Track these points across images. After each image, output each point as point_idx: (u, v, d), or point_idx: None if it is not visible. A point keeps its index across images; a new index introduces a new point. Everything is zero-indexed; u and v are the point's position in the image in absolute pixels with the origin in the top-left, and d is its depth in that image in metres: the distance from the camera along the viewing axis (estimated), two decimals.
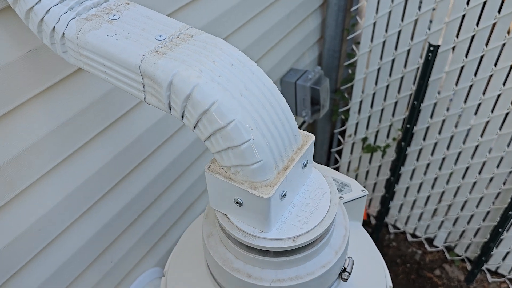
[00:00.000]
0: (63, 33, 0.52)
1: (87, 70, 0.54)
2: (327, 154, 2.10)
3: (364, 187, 2.01)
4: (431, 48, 1.36)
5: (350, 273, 0.59)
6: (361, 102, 1.76)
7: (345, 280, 0.59)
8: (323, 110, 1.59)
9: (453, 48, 1.42)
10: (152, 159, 1.01)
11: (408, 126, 1.59)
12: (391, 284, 0.70)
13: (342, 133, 1.95)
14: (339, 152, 2.04)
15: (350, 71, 1.74)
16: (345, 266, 0.59)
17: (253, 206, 0.50)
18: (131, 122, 0.90)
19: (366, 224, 2.18)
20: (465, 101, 1.51)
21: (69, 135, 0.77)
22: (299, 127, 1.60)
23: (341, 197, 0.70)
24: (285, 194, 0.51)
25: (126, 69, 0.49)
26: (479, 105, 1.49)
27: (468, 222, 1.83)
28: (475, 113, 1.52)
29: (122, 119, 0.87)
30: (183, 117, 0.48)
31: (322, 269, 0.54)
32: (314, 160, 1.74)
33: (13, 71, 0.63)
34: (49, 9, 0.52)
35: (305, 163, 0.54)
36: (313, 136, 0.55)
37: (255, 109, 0.47)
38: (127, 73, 0.49)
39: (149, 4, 0.75)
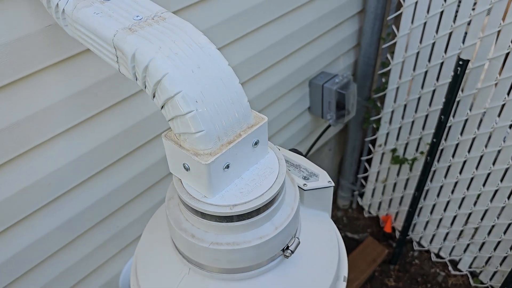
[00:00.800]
0: (63, 9, 0.62)
1: (81, 42, 0.64)
2: (357, 162, 2.10)
3: (391, 200, 2.00)
4: (460, 62, 1.34)
5: (292, 252, 0.63)
6: (392, 112, 1.76)
7: (286, 257, 0.63)
8: (349, 115, 1.61)
9: (486, 65, 1.39)
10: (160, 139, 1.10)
11: (434, 140, 1.57)
12: (346, 275, 0.73)
13: (373, 142, 1.95)
14: (369, 161, 2.04)
15: (383, 80, 1.74)
16: (289, 245, 0.64)
17: (197, 171, 0.56)
18: (143, 102, 0.99)
19: (391, 237, 2.15)
20: (496, 121, 1.46)
21: (83, 104, 0.88)
22: (324, 130, 1.64)
23: (305, 184, 0.74)
24: (228, 166, 0.57)
25: (104, 42, 0.57)
26: (511, 126, 1.44)
27: (495, 249, 1.76)
28: (507, 134, 1.47)
29: (134, 97, 0.97)
30: (145, 87, 0.56)
31: (258, 240, 0.59)
32: (344, 166, 1.79)
33: (32, 42, 0.74)
34: None
35: (255, 142, 0.59)
36: (265, 118, 0.60)
37: (203, 85, 0.54)
38: (105, 45, 0.58)
39: None
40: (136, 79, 0.57)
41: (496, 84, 1.40)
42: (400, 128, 1.78)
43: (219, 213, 0.57)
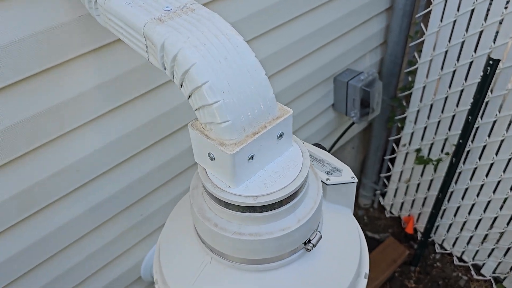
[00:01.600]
0: (96, 0, 0.63)
1: (112, 32, 0.65)
2: (381, 161, 2.08)
3: (414, 200, 1.97)
4: (490, 62, 1.31)
5: (314, 245, 0.63)
6: (418, 111, 1.73)
7: (308, 250, 0.64)
8: (373, 113, 1.60)
9: None
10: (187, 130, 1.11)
11: (460, 141, 1.54)
12: (367, 271, 0.72)
13: (397, 142, 1.92)
14: (392, 161, 2.01)
15: (410, 78, 1.71)
16: (311, 238, 0.64)
17: (221, 161, 0.56)
18: (170, 92, 1.01)
19: (412, 239, 2.12)
20: None
21: (113, 92, 0.90)
22: (348, 127, 1.63)
23: (328, 179, 0.74)
24: (252, 157, 0.57)
25: (135, 31, 0.59)
26: None
27: None
28: None
29: (162, 87, 0.98)
30: (173, 77, 0.57)
31: (280, 232, 0.59)
32: (367, 165, 1.78)
33: (66, 30, 0.76)
34: None
35: (279, 134, 0.60)
36: (290, 111, 0.60)
37: (230, 76, 0.54)
38: (135, 35, 0.59)
39: None
40: (165, 69, 0.58)
41: None
42: (425, 128, 1.75)
43: (242, 203, 0.57)
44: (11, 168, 0.82)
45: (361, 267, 0.72)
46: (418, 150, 1.81)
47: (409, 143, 1.85)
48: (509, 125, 1.48)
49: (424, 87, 1.65)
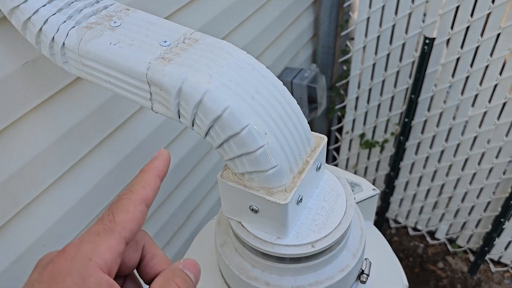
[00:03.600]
0: (63, 43, 0.50)
1: (89, 80, 0.53)
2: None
3: None
4: (427, 41, 1.35)
5: (368, 275, 0.58)
6: (357, 98, 1.76)
7: (363, 282, 0.58)
8: (320, 108, 1.58)
9: (448, 40, 1.42)
10: None
11: (406, 120, 1.59)
12: (407, 283, 0.69)
13: (339, 130, 1.94)
14: (337, 149, 2.03)
15: (345, 67, 1.73)
16: (363, 268, 0.58)
17: (269, 212, 0.48)
18: (132, 129, 0.88)
19: None
20: (462, 93, 1.51)
21: (70, 146, 0.75)
22: None
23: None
24: (301, 199, 0.50)
25: (132, 78, 0.47)
26: (476, 96, 1.49)
27: (469, 213, 1.83)
28: (473, 104, 1.52)
29: (123, 126, 0.85)
30: (193, 125, 0.47)
31: (341, 273, 0.53)
32: None
33: (11, 85, 0.61)
34: (47, 19, 0.50)
35: (318, 166, 0.53)
36: (325, 138, 0.53)
37: (268, 113, 0.46)
38: (133, 82, 0.47)
39: (145, 8, 0.73)
40: (179, 117, 0.47)
41: (458, 58, 1.43)
42: (366, 112, 1.78)
43: (300, 254, 0.49)
44: None
45: (403, 280, 0.69)
46: (362, 135, 1.85)
47: (352, 130, 1.88)
48: (445, 97, 1.56)
49: (360, 74, 1.68)
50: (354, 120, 1.84)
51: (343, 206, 0.53)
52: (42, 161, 0.70)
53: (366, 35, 1.56)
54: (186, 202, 1.16)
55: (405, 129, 1.62)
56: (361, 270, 0.58)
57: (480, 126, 1.55)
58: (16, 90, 0.62)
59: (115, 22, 0.51)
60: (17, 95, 0.62)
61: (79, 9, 0.52)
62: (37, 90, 0.65)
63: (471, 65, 1.43)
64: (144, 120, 0.90)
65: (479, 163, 1.65)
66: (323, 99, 1.59)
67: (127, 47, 0.48)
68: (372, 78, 1.67)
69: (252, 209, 0.49)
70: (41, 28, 0.51)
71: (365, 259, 0.59)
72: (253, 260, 0.53)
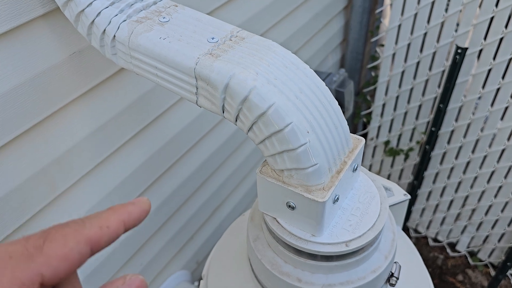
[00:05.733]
0: (114, 36, 0.52)
1: (136, 73, 0.54)
2: None
3: None
4: (459, 51, 1.34)
5: (397, 278, 0.58)
6: (384, 105, 1.75)
7: (392, 285, 0.58)
8: (347, 112, 1.58)
9: (480, 50, 1.40)
10: (182, 162, 1.01)
11: (433, 129, 1.57)
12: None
13: (364, 136, 1.94)
14: None
15: (373, 73, 1.72)
16: (393, 271, 0.59)
17: (306, 210, 0.49)
18: (167, 123, 0.90)
19: None
20: (492, 104, 1.48)
21: (108, 136, 0.77)
22: None
23: None
24: (337, 198, 0.50)
25: (180, 72, 0.49)
26: (506, 108, 1.47)
27: (493, 227, 1.80)
28: (502, 117, 1.50)
29: (159, 119, 0.87)
30: (236, 120, 0.48)
31: (372, 274, 0.53)
32: None
33: (58, 73, 0.63)
34: (100, 12, 0.52)
35: (355, 167, 0.53)
36: (363, 140, 0.54)
37: (310, 112, 0.47)
38: (181, 76, 0.49)
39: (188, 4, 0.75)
40: (224, 111, 0.49)
41: (490, 70, 1.42)
42: (392, 120, 1.77)
43: (334, 253, 0.50)
44: None
45: (431, 286, 0.69)
46: (387, 142, 1.84)
47: (377, 137, 1.87)
48: (475, 108, 1.54)
49: (388, 81, 1.67)
50: (379, 127, 1.83)
51: (377, 208, 0.54)
52: (81, 149, 0.73)
53: (396, 42, 1.56)
54: (212, 199, 1.18)
55: (432, 138, 1.60)
56: (391, 273, 0.58)
57: (508, 139, 1.52)
58: (62, 79, 0.64)
59: (164, 18, 0.53)
60: (63, 84, 0.65)
61: (130, 3, 0.53)
62: (82, 79, 0.68)
63: (503, 77, 1.41)
64: (179, 114, 0.92)
65: (505, 177, 1.62)
66: (350, 104, 1.59)
67: (176, 42, 0.49)
68: (400, 86, 1.66)
69: (289, 206, 0.50)
70: (93, 20, 0.53)
71: (395, 262, 0.60)
72: (286, 256, 0.54)
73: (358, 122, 1.90)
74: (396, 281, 0.58)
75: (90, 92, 0.70)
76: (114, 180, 0.83)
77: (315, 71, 1.47)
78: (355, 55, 1.67)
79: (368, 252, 0.53)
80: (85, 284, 0.85)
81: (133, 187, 0.88)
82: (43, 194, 0.70)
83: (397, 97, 1.69)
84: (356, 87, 1.78)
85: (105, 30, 0.53)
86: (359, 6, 1.53)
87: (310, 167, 0.46)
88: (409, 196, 0.70)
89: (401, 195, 0.70)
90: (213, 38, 0.50)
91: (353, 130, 1.98)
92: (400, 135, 1.80)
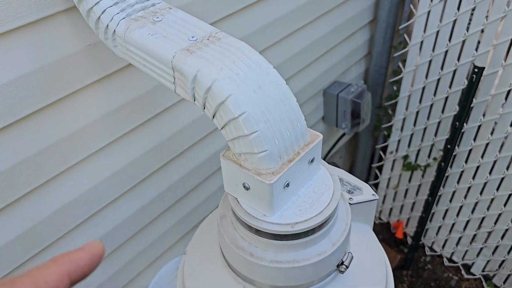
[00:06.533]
0: (114, 30, 0.62)
1: (131, 63, 0.64)
2: (368, 169, 2.11)
3: (402, 206, 2.01)
4: (476, 70, 1.36)
5: (347, 267, 0.64)
6: (404, 119, 1.77)
7: (342, 272, 0.64)
8: (363, 124, 1.62)
9: (500, 71, 1.41)
10: (192, 151, 1.10)
11: (449, 147, 1.58)
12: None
13: (384, 149, 1.96)
14: (380, 168, 2.05)
15: (395, 88, 1.75)
16: (343, 260, 0.64)
17: (258, 191, 0.56)
18: (175, 116, 0.99)
19: (402, 243, 2.16)
20: (511, 125, 1.48)
21: (118, 121, 0.88)
22: (339, 139, 1.65)
23: (350, 198, 0.74)
24: (288, 184, 0.57)
25: (161, 63, 0.57)
26: None
27: (509, 252, 1.77)
28: None
29: (167, 111, 0.97)
30: (204, 107, 0.56)
31: (318, 257, 0.59)
32: (355, 173, 1.79)
33: (75, 61, 0.74)
34: (105, 9, 0.62)
35: (311, 159, 0.60)
36: (320, 136, 0.60)
37: (266, 105, 0.54)
38: (162, 67, 0.58)
39: (197, 11, 0.85)
40: (195, 100, 0.57)
41: (509, 91, 1.42)
42: (411, 135, 1.79)
43: (280, 232, 0.57)
44: (16, 207, 0.78)
45: (388, 284, 0.73)
46: (406, 157, 1.85)
47: (396, 150, 1.89)
48: (493, 129, 1.53)
49: (409, 96, 1.69)
50: (399, 141, 1.85)
51: (328, 198, 0.60)
52: (93, 129, 0.83)
53: (418, 59, 1.58)
54: (218, 192, 1.26)
55: (447, 156, 1.61)
56: (341, 261, 0.64)
57: None
58: (78, 66, 0.75)
59: (157, 18, 0.62)
60: (78, 70, 0.76)
61: (131, 4, 0.63)
62: (95, 68, 0.78)
63: None
64: (185, 111, 1.01)
65: None
66: (367, 116, 1.63)
67: (161, 38, 0.58)
68: (420, 101, 1.68)
69: (245, 187, 0.57)
70: (99, 17, 0.63)
71: (348, 252, 0.65)
72: (243, 233, 0.61)
73: (378, 135, 1.92)
74: (346, 269, 0.63)
75: (103, 80, 0.81)
76: (122, 161, 0.93)
77: (336, 81, 1.52)
78: (378, 68, 1.71)
79: (316, 237, 0.59)
80: None
81: (139, 170, 0.98)
82: (56, 165, 0.80)
83: (417, 113, 1.71)
84: (378, 100, 1.81)
85: (108, 25, 0.62)
86: (383, 21, 1.57)
87: (261, 152, 0.53)
88: (377, 197, 0.74)
89: (369, 195, 0.74)
90: (193, 37, 0.58)
91: (374, 143, 2.01)
92: (418, 151, 1.81)
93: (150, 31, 0.59)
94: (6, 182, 0.74)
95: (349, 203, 0.74)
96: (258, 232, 0.59)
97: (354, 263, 0.66)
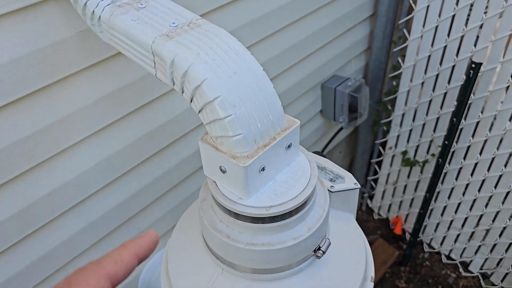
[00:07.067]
0: (100, 16, 0.64)
1: (116, 48, 0.65)
2: (368, 164, 2.12)
3: (401, 202, 2.01)
4: (473, 66, 1.35)
5: (324, 252, 0.65)
6: (403, 115, 1.77)
7: (318, 257, 0.65)
8: (361, 118, 1.63)
9: (499, 67, 1.40)
10: (186, 140, 1.12)
11: (446, 143, 1.58)
12: (373, 275, 0.74)
13: (383, 145, 1.96)
14: (379, 164, 2.05)
15: (394, 83, 1.75)
16: (321, 245, 0.65)
17: (233, 174, 0.57)
18: (169, 103, 1.01)
19: (401, 239, 2.16)
20: (508, 123, 1.47)
21: (109, 107, 0.89)
22: (337, 133, 1.65)
23: (332, 186, 0.75)
24: (263, 168, 0.58)
25: (142, 48, 0.59)
26: None
27: (506, 251, 1.76)
28: None
29: (160, 99, 0.98)
30: (183, 92, 0.58)
31: (293, 241, 0.60)
32: (355, 168, 1.81)
33: (66, 47, 0.76)
34: None
35: (288, 145, 0.61)
36: (298, 122, 0.61)
37: (241, 90, 0.55)
38: (143, 52, 0.59)
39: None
40: (174, 84, 0.58)
41: (508, 87, 1.41)
42: (411, 130, 1.79)
43: (255, 215, 0.58)
44: (9, 188, 0.81)
45: (367, 271, 0.74)
46: (405, 153, 1.85)
47: (395, 146, 1.89)
48: (491, 125, 1.53)
49: (408, 91, 1.69)
50: (398, 136, 1.85)
51: (304, 183, 0.61)
52: (83, 115, 0.85)
53: (417, 54, 1.58)
54: None
55: (445, 152, 1.61)
56: (318, 246, 0.65)
57: None
58: (69, 52, 0.77)
59: (141, 5, 0.64)
60: (69, 56, 0.77)
61: None
62: (87, 55, 0.80)
63: None
64: (176, 100, 1.03)
65: None
66: (365, 110, 1.63)
67: (143, 24, 0.60)
68: (419, 97, 1.68)
69: (221, 170, 0.59)
70: (86, 3, 0.64)
71: (326, 238, 0.66)
72: (221, 215, 0.62)
73: (378, 130, 1.92)
74: (322, 254, 0.64)
75: (94, 67, 0.83)
76: (113, 148, 0.95)
77: (335, 75, 1.53)
78: (377, 63, 1.71)
79: (290, 221, 0.60)
80: (81, 234, 0.97)
81: (130, 158, 0.99)
82: (48, 148, 0.83)
83: (416, 108, 1.71)
84: (378, 95, 1.82)
85: (93, 11, 0.64)
86: (383, 16, 1.57)
87: (236, 136, 0.55)
88: (358, 186, 0.75)
89: (351, 183, 0.75)
90: (173, 23, 0.60)
91: (373, 138, 2.01)
92: (417, 147, 1.81)
93: (133, 17, 0.61)
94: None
95: (331, 191, 0.75)
96: (234, 214, 0.60)
97: (333, 249, 0.67)
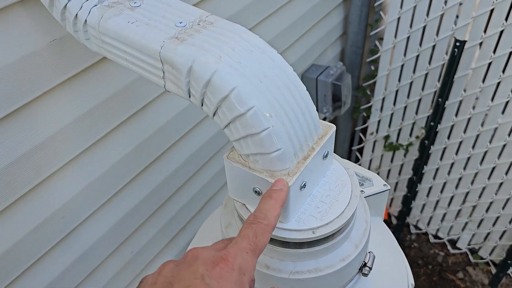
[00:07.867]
0: (85, 20, 0.53)
1: (108, 57, 0.55)
2: (348, 152, 2.08)
3: None
4: (457, 44, 1.32)
5: (370, 268, 0.58)
6: (383, 99, 1.74)
7: (365, 275, 0.58)
8: (345, 106, 1.57)
9: (480, 44, 1.38)
10: (173, 150, 1.01)
11: (432, 124, 1.56)
12: (413, 282, 0.68)
13: (364, 131, 1.92)
14: (360, 150, 2.02)
15: (372, 67, 1.71)
16: (366, 261, 0.58)
17: None
18: (154, 112, 0.90)
19: (387, 224, 2.15)
20: (492, 99, 1.46)
21: (93, 124, 0.78)
22: None
23: (362, 191, 0.68)
24: (304, 185, 0.50)
25: (147, 55, 0.49)
26: (507, 103, 1.44)
27: (494, 224, 1.78)
28: (503, 112, 1.47)
29: (145, 109, 0.88)
30: (202, 104, 0.48)
31: (341, 263, 0.53)
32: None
33: (38, 60, 0.64)
34: None
35: (325, 154, 0.53)
36: (334, 127, 0.53)
37: (274, 96, 0.47)
38: (148, 60, 0.49)
39: None
40: (190, 96, 0.49)
41: (490, 63, 1.40)
42: (392, 114, 1.76)
43: (300, 239, 0.50)
44: None
45: (409, 279, 0.68)
46: (387, 137, 1.82)
47: (377, 131, 1.86)
48: (474, 103, 1.52)
49: (388, 75, 1.65)
50: (379, 122, 1.82)
51: (347, 196, 0.53)
52: (65, 136, 0.73)
53: (395, 36, 1.54)
54: (202, 191, 1.18)
55: (431, 133, 1.58)
56: (363, 263, 0.58)
57: (509, 134, 1.50)
58: (42, 65, 0.65)
59: (135, 2, 0.53)
60: (43, 70, 0.65)
61: None
62: (64, 67, 0.68)
63: (503, 71, 1.39)
64: (165, 105, 0.92)
65: (506, 173, 1.60)
66: (348, 98, 1.58)
67: (143, 26, 0.49)
68: (399, 80, 1.64)
69: (256, 191, 0.50)
70: (66, 5, 0.53)
71: (369, 252, 0.59)
72: None
73: (357, 117, 1.88)
74: (369, 271, 0.58)
75: (73, 79, 0.71)
76: (101, 168, 0.83)
77: (313, 64, 1.45)
78: (354, 49, 1.65)
79: (337, 241, 0.53)
80: (72, 269, 0.86)
81: (119, 176, 0.88)
82: (28, 178, 0.70)
83: (397, 91, 1.68)
84: (356, 81, 1.77)
85: (77, 14, 0.53)
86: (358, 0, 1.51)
87: (274, 152, 0.46)
88: (388, 187, 0.69)
89: (380, 185, 0.69)
90: (181, 23, 0.50)
91: (353, 125, 1.97)
92: (400, 130, 1.78)
93: (129, 18, 0.50)
94: None
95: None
96: (272, 240, 0.52)
97: (375, 263, 0.61)
